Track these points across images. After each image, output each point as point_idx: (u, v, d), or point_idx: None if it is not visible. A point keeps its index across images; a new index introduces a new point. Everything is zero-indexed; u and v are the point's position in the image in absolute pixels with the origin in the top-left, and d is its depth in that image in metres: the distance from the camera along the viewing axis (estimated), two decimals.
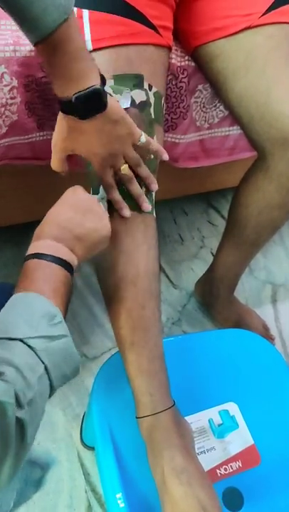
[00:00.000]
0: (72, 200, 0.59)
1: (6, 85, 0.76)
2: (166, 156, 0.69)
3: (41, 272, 0.51)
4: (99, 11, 0.70)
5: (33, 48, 0.75)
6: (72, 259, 0.54)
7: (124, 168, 0.64)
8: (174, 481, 0.59)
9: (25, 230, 1.26)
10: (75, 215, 0.57)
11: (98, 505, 0.86)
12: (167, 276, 1.24)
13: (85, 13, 0.70)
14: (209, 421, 0.73)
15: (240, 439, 0.73)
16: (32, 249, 0.53)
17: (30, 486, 0.84)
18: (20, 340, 0.44)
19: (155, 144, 0.67)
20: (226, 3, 0.77)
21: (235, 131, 1.01)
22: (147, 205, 0.68)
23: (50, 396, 0.47)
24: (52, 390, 0.46)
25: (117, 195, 0.66)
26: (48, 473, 0.88)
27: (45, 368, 0.44)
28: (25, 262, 0.52)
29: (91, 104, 0.58)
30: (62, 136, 0.63)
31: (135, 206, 0.68)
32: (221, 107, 0.94)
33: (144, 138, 0.65)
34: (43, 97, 0.81)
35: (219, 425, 0.72)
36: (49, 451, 0.91)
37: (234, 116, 0.83)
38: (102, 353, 1.06)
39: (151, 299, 0.68)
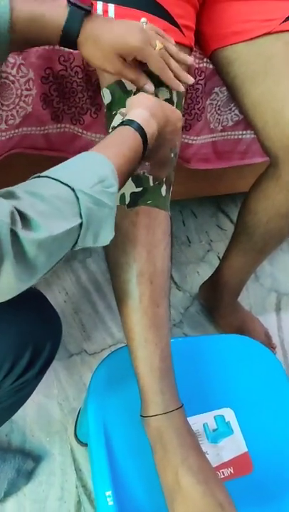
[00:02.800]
0: (177, 123, 0.59)
1: (22, 77, 0.76)
2: (189, 59, 0.69)
3: (132, 151, 0.51)
4: (125, 6, 0.70)
5: None
6: (150, 144, 0.54)
7: (159, 44, 0.64)
8: (191, 480, 0.59)
9: None
10: (169, 135, 0.58)
11: (88, 502, 0.86)
12: (172, 278, 1.24)
13: (111, 7, 0.70)
14: (204, 425, 0.72)
15: (234, 446, 0.73)
16: (136, 116, 0.53)
17: (21, 477, 0.84)
18: (71, 188, 0.43)
19: (161, 30, 0.67)
20: (247, 8, 0.77)
21: (248, 135, 1.00)
22: (191, 77, 0.67)
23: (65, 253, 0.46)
24: (73, 247, 0.46)
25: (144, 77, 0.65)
26: (40, 466, 0.88)
27: (80, 225, 0.44)
28: (124, 127, 0.52)
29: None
30: (101, 58, 0.63)
31: (163, 203, 0.68)
32: (236, 111, 0.94)
33: (145, 19, 0.65)
34: (60, 90, 0.81)
35: (214, 430, 0.72)
36: (43, 443, 0.91)
37: (249, 121, 0.82)
38: (102, 349, 1.06)
39: (165, 297, 0.68)
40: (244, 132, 1.00)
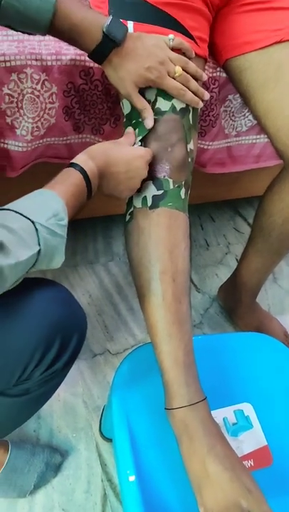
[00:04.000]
0: (132, 165, 0.66)
1: (46, 91, 0.81)
2: (204, 77, 0.76)
3: (76, 188, 0.59)
4: (143, 22, 0.74)
5: (73, 57, 0.80)
6: (94, 192, 0.63)
7: (178, 70, 0.71)
8: (218, 467, 0.61)
9: None
10: (122, 175, 0.66)
11: (113, 495, 0.89)
12: (191, 280, 1.27)
13: (130, 24, 0.74)
14: (224, 419, 0.75)
15: (254, 439, 0.75)
16: (81, 161, 0.61)
17: (50, 470, 0.88)
18: (31, 221, 0.51)
19: (186, 44, 0.74)
20: (258, 19, 0.80)
21: (262, 139, 1.03)
22: (207, 93, 0.75)
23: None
24: (31, 268, 0.53)
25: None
26: (68, 460, 0.92)
27: (38, 252, 0.51)
28: (69, 168, 0.61)
29: (118, 27, 0.67)
30: (118, 81, 0.71)
31: (182, 205, 0.72)
32: (250, 117, 0.97)
33: (172, 36, 0.72)
34: (81, 103, 0.86)
35: (233, 424, 0.74)
36: (69, 439, 0.95)
37: (262, 127, 0.85)
38: (124, 349, 1.09)
39: (186, 295, 0.70)
40: (258, 137, 1.03)
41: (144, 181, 0.71)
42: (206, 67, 0.86)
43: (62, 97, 0.83)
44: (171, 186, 0.71)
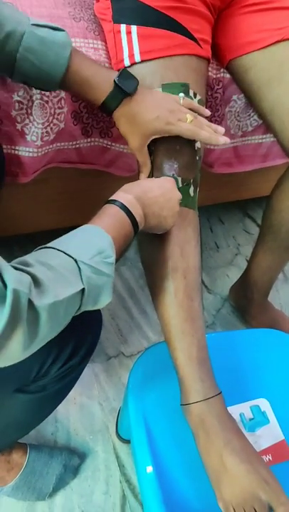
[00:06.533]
0: (165, 187, 0.66)
1: (54, 96, 0.83)
2: (207, 112, 0.76)
3: (114, 218, 0.58)
4: (146, 26, 0.76)
5: None
6: (141, 223, 0.61)
7: (189, 117, 0.71)
8: (235, 460, 0.61)
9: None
10: (160, 198, 0.64)
11: (132, 495, 0.89)
12: (202, 282, 1.27)
13: (133, 28, 0.76)
14: (240, 415, 0.75)
15: (271, 434, 0.75)
16: (116, 196, 0.60)
17: (68, 472, 0.88)
18: (74, 259, 0.49)
19: (195, 103, 0.75)
20: (259, 19, 0.82)
21: (268, 138, 1.04)
22: (221, 128, 0.75)
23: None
24: (77, 311, 0.51)
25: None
26: (85, 462, 0.92)
27: (82, 290, 0.49)
28: (105, 205, 0.59)
29: (129, 79, 0.69)
30: (127, 134, 0.72)
31: (191, 203, 0.73)
32: (255, 117, 0.98)
33: (182, 94, 0.73)
34: (89, 107, 0.88)
35: (250, 419, 0.74)
36: (86, 441, 0.95)
37: (267, 124, 0.87)
38: (138, 351, 1.10)
39: (198, 291, 0.71)
40: (264, 136, 1.04)
41: None
42: (210, 68, 0.88)
43: (70, 102, 0.85)
44: (180, 184, 0.73)
